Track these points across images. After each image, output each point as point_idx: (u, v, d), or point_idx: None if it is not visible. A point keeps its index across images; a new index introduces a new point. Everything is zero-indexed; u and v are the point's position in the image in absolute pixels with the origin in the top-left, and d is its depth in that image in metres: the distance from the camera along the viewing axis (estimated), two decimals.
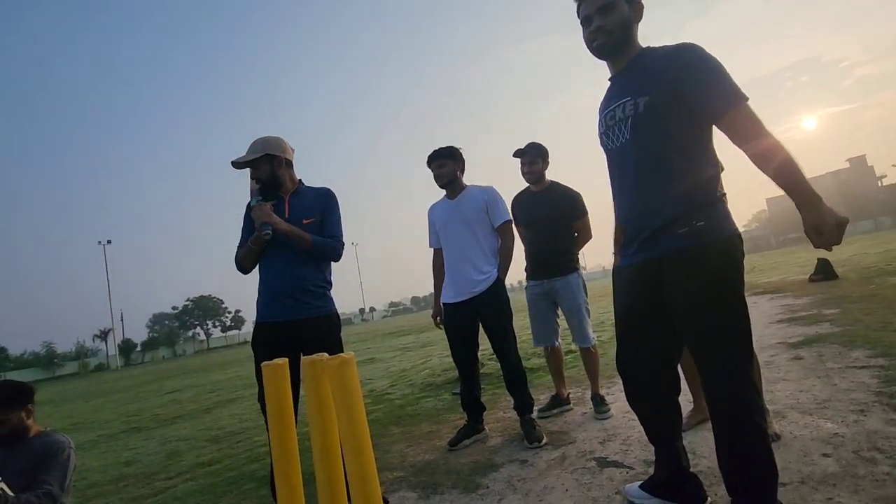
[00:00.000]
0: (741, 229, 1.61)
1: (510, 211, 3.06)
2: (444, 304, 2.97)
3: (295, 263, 2.22)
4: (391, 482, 2.43)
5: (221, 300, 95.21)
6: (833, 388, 2.66)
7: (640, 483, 1.81)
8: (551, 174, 3.23)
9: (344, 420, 0.92)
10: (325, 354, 1.01)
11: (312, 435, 1.01)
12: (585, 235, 3.24)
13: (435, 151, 2.94)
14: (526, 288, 3.27)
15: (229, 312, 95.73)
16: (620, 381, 1.78)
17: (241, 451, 3.73)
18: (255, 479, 2.91)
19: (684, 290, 1.47)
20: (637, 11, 1.62)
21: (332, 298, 2.35)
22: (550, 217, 3.13)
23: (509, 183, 3.62)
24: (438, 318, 3.06)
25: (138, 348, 78.66)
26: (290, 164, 2.35)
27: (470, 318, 2.86)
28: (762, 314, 5.90)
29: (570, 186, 3.23)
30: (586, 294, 3.15)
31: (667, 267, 1.51)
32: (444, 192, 3.02)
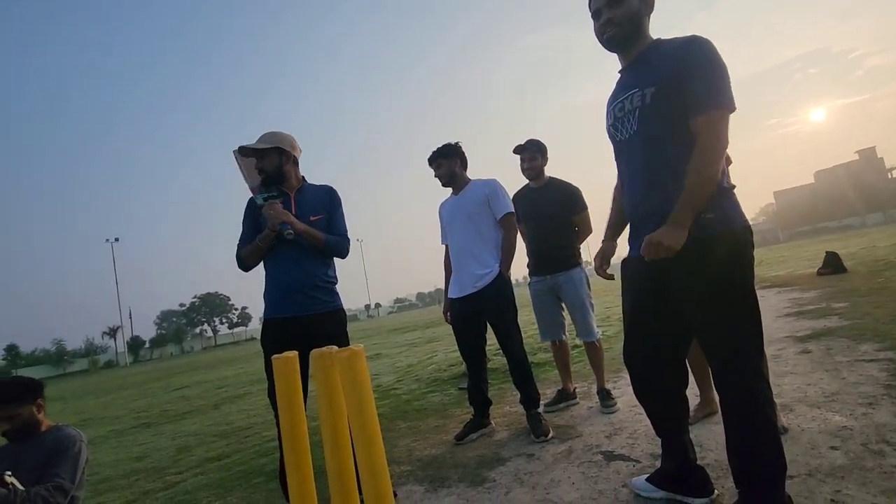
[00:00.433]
0: None
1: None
2: (449, 298, 2.99)
3: (304, 260, 2.24)
4: (399, 476, 2.45)
5: (228, 297, 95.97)
6: (841, 382, 2.64)
7: (646, 476, 1.81)
8: (551, 170, 3.24)
9: (354, 412, 0.93)
10: (335, 347, 1.02)
11: (323, 427, 1.02)
12: (586, 230, 3.24)
13: (431, 154, 2.98)
14: (529, 284, 3.28)
15: (236, 309, 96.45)
16: (626, 376, 1.78)
17: (249, 446, 3.77)
18: (264, 473, 2.95)
19: (693, 283, 1.47)
20: (648, 4, 1.61)
21: (338, 294, 2.38)
22: (550, 213, 3.13)
23: (511, 181, 3.61)
24: (448, 313, 3.07)
25: (147, 345, 79.47)
26: (296, 163, 2.36)
27: (474, 312, 2.86)
28: (770, 308, 5.87)
29: (570, 182, 3.24)
30: (590, 288, 3.15)
31: (674, 259, 1.51)
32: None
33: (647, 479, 1.79)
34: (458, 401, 3.93)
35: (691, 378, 1.84)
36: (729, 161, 1.65)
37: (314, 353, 1.02)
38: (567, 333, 3.29)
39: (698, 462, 1.73)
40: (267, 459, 3.24)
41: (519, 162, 3.21)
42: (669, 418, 1.72)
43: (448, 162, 2.94)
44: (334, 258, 2.39)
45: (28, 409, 1.93)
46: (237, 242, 2.32)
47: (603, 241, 1.96)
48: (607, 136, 1.76)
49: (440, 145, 2.97)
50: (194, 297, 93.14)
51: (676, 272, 1.50)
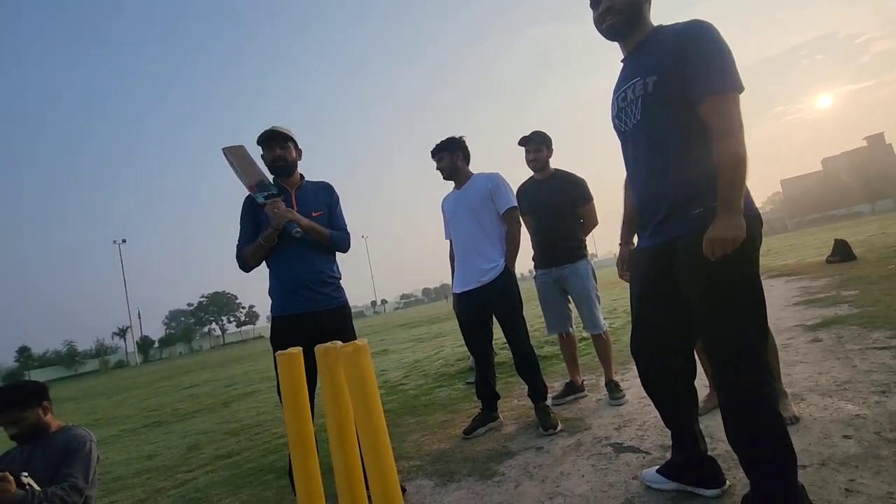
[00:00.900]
0: None
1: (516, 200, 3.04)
2: (454, 293, 2.98)
3: (311, 256, 2.25)
4: (408, 471, 2.45)
5: (235, 296, 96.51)
6: (853, 370, 2.61)
7: (657, 467, 1.80)
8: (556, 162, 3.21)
9: (360, 407, 0.92)
10: (339, 342, 1.01)
11: (328, 423, 1.02)
12: (591, 222, 3.22)
13: (433, 147, 2.97)
14: (535, 277, 3.26)
15: (243, 308, 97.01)
16: (634, 367, 1.76)
17: (259, 444, 3.79)
18: (274, 470, 2.96)
19: (695, 273, 1.45)
20: None
21: (343, 289, 2.39)
22: (556, 204, 3.11)
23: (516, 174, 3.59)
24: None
25: (156, 345, 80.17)
26: (299, 158, 2.38)
27: (480, 307, 2.85)
28: (779, 297, 5.82)
29: (574, 173, 3.21)
30: (596, 281, 3.13)
31: (680, 250, 1.48)
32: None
33: (657, 471, 1.78)
34: (465, 395, 3.93)
35: (700, 369, 1.82)
36: None
37: (319, 348, 1.01)
38: (574, 326, 3.27)
39: (709, 453, 1.72)
40: (276, 456, 3.26)
41: (524, 154, 3.19)
42: (678, 409, 1.70)
43: (451, 155, 2.93)
44: (336, 253, 2.41)
45: (34, 413, 1.95)
46: (236, 243, 2.30)
47: (620, 245, 1.94)
48: (612, 126, 1.73)
49: (444, 138, 2.96)
50: (202, 297, 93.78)
51: (681, 262, 1.48)
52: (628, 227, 1.94)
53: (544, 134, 3.16)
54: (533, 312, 4.64)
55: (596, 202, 3.24)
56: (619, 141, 1.73)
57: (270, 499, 2.52)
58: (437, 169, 2.97)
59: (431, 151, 2.98)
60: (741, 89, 1.38)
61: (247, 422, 4.89)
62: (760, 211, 1.52)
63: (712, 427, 2.18)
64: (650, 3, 1.60)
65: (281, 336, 2.21)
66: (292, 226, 2.15)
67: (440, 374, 5.21)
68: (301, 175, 2.39)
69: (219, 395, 7.99)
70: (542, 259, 3.17)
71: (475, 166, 3.04)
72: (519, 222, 2.93)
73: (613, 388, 2.98)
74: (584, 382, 3.33)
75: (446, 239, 3.12)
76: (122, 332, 74.56)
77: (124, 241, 61.15)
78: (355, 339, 2.27)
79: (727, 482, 1.65)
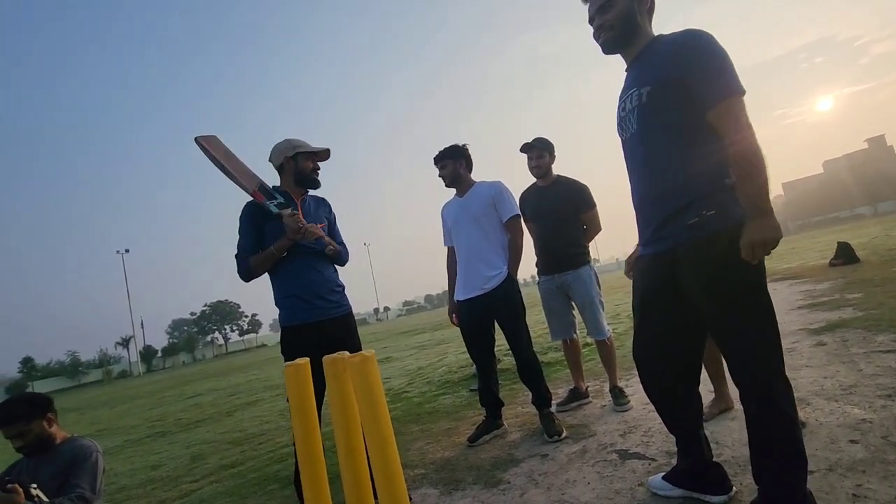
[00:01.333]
0: None
1: (519, 207, 3.05)
2: (457, 301, 2.98)
3: (320, 266, 2.30)
4: (413, 479, 2.44)
5: (238, 304, 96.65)
6: (859, 374, 2.60)
7: (662, 474, 1.79)
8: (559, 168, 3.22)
9: (367, 416, 0.92)
10: (346, 353, 1.02)
11: (336, 433, 1.02)
12: (594, 228, 3.23)
13: (436, 154, 2.99)
14: (539, 283, 3.26)
15: (246, 316, 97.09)
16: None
17: (263, 453, 3.78)
18: (279, 479, 2.95)
19: (698, 281, 1.46)
20: (643, 1, 1.61)
21: (346, 296, 2.43)
22: (559, 211, 3.12)
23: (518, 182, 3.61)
24: (454, 315, 3.06)
25: (159, 354, 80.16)
26: None
27: (483, 314, 2.86)
28: (782, 300, 5.80)
29: (577, 179, 3.22)
30: (599, 286, 3.13)
31: (680, 258, 1.50)
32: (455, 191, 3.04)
33: (663, 478, 1.77)
34: (469, 403, 3.92)
35: (704, 374, 1.82)
36: None
37: (326, 359, 1.02)
38: (578, 332, 3.27)
39: (715, 458, 1.71)
40: (281, 466, 3.25)
41: (527, 161, 3.20)
42: (682, 415, 1.70)
43: (454, 163, 2.94)
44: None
45: (38, 425, 1.96)
46: (236, 252, 2.23)
47: (638, 245, 1.95)
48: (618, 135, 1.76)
49: (447, 146, 2.97)
50: (205, 306, 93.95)
51: (682, 271, 1.49)
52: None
53: (547, 140, 3.17)
54: (536, 319, 4.64)
55: (599, 208, 3.24)
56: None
57: None
58: (440, 176, 2.99)
59: (434, 158, 3.00)
60: (743, 92, 1.41)
61: (251, 431, 4.89)
62: None
63: (718, 433, 2.18)
64: (650, 14, 1.63)
65: (292, 345, 2.21)
66: (321, 243, 2.23)
67: (444, 382, 5.20)
68: None
69: (222, 404, 7.98)
70: (546, 265, 3.18)
71: (476, 170, 3.06)
72: (522, 230, 2.94)
73: (618, 394, 2.97)
74: (589, 388, 3.32)
75: (445, 246, 3.14)
76: (125, 342, 74.68)
77: (127, 250, 61.46)
78: (360, 347, 2.29)
79: (734, 488, 1.64)
